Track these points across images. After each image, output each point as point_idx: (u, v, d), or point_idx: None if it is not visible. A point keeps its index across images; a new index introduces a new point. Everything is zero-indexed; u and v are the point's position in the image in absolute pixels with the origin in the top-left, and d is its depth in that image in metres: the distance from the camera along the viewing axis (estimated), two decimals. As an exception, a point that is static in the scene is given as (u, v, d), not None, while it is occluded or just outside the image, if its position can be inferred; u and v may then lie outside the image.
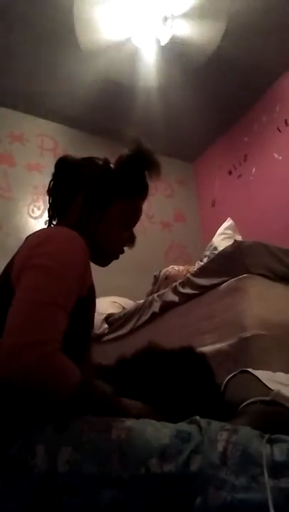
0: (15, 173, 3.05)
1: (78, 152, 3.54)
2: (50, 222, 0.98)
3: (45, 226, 0.97)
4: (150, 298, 2.18)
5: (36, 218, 3.01)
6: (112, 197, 0.95)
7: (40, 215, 3.03)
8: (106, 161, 0.98)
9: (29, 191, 3.06)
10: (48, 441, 0.64)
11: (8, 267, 0.80)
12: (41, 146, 3.23)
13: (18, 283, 0.72)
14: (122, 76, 2.86)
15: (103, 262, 0.99)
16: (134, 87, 2.97)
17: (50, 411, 0.69)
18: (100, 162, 0.98)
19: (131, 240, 1.02)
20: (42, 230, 0.86)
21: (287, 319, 1.59)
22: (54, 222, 0.98)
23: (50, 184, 0.99)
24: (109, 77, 2.86)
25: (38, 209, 3.04)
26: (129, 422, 0.66)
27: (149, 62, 2.74)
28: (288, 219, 2.78)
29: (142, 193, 1.00)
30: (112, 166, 0.98)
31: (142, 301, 2.23)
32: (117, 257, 1.01)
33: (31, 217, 3.00)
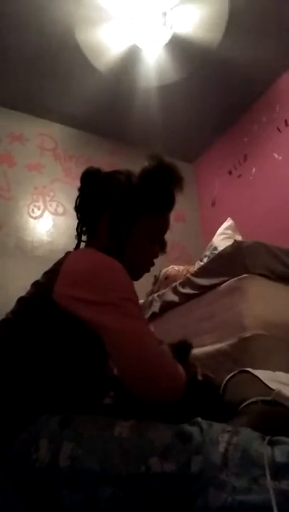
0: (15, 173, 3.05)
1: (78, 152, 3.52)
2: (79, 238, 1.00)
3: (75, 240, 1.01)
4: (150, 298, 2.18)
5: (36, 218, 3.00)
6: (137, 214, 0.96)
7: (40, 215, 3.03)
8: (128, 176, 0.98)
9: (29, 191, 3.06)
10: (51, 436, 0.65)
11: (49, 282, 0.81)
12: (41, 146, 3.23)
13: (92, 317, 0.74)
14: (122, 76, 2.86)
15: (135, 277, 0.99)
16: (134, 87, 2.97)
17: (56, 404, 0.71)
18: (122, 177, 0.98)
19: (162, 249, 1.06)
20: (87, 256, 0.87)
21: (287, 319, 1.59)
22: (84, 238, 1.01)
23: (76, 201, 1.00)
24: (110, 77, 2.87)
25: (38, 209, 3.04)
26: (132, 421, 0.67)
27: (149, 62, 2.75)
28: (288, 219, 2.78)
29: (168, 206, 1.02)
30: (134, 179, 0.97)
31: (142, 301, 2.23)
32: (148, 271, 1.03)
33: (31, 217, 3.00)
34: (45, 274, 0.87)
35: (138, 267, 0.99)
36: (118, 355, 0.72)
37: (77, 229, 1.01)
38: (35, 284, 0.87)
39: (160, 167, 0.98)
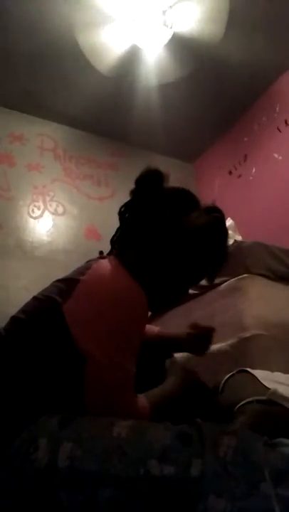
0: (15, 173, 3.04)
1: (78, 152, 3.50)
2: (112, 247, 0.91)
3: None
4: (150, 298, 2.18)
5: (36, 218, 3.00)
6: (165, 268, 0.85)
7: (40, 215, 3.02)
8: (175, 214, 0.83)
9: (29, 191, 3.05)
10: (50, 435, 0.64)
11: (65, 292, 0.79)
12: (41, 146, 3.23)
13: (89, 343, 0.74)
14: (122, 76, 2.86)
15: (153, 310, 0.94)
16: (134, 87, 2.97)
17: (56, 404, 0.71)
18: (168, 212, 0.83)
19: (210, 281, 1.00)
20: (111, 277, 0.79)
21: (287, 319, 1.59)
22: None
23: (121, 207, 0.88)
24: (110, 76, 2.86)
25: (38, 209, 3.03)
26: (131, 421, 0.67)
27: (149, 62, 2.74)
28: (288, 219, 2.78)
29: (208, 266, 0.91)
30: (183, 224, 0.84)
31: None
32: (170, 309, 1.00)
33: (31, 217, 2.99)
34: (65, 280, 0.82)
35: (159, 305, 0.93)
36: (92, 388, 0.73)
37: (114, 236, 0.91)
38: (52, 286, 0.83)
39: (216, 227, 0.88)
